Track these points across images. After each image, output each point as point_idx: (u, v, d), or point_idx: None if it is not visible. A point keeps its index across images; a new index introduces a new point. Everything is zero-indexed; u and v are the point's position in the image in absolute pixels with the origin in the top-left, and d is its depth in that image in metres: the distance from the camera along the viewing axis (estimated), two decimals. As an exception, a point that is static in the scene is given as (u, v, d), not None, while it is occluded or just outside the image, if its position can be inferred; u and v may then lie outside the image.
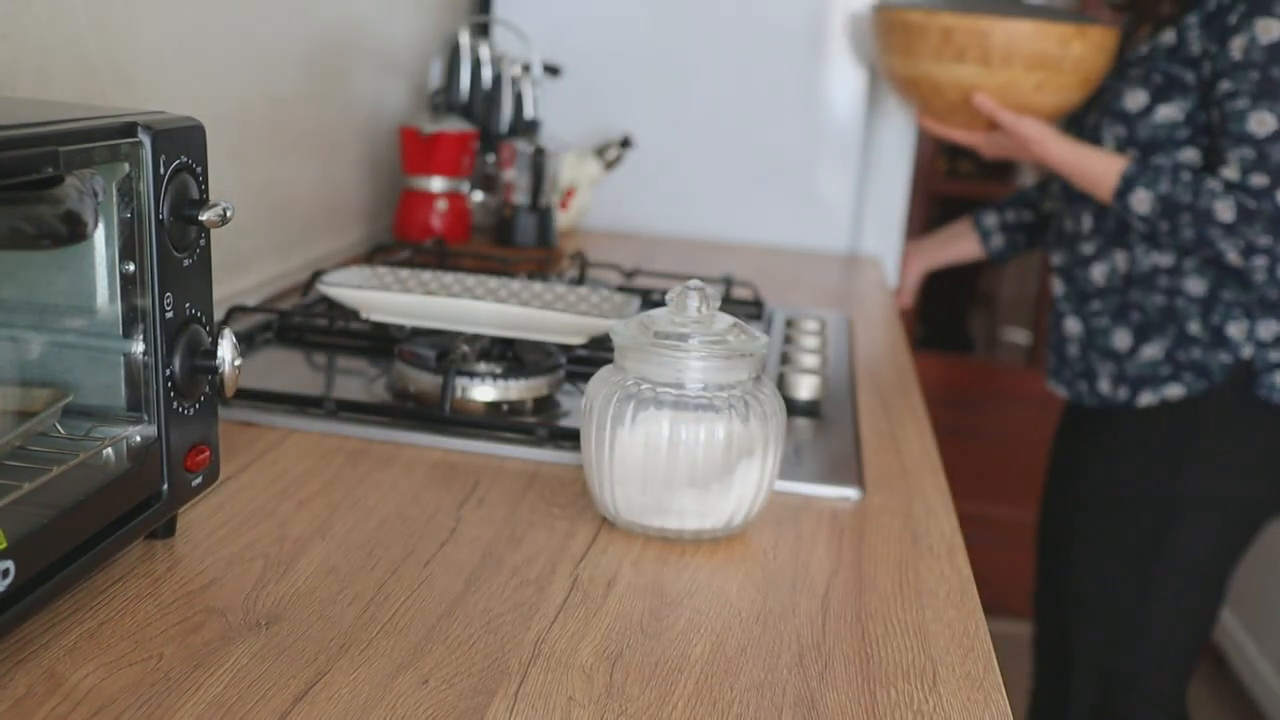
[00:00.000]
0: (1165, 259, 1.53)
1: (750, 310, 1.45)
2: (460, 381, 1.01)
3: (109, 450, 0.67)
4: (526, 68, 1.83)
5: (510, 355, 1.08)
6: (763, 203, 2.11)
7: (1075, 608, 1.75)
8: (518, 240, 1.67)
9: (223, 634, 0.64)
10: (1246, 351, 1.50)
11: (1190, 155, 1.50)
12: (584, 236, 2.01)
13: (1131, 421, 1.61)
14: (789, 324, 1.37)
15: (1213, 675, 2.81)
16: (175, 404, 0.69)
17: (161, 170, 0.66)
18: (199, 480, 0.73)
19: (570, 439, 0.95)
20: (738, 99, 2.08)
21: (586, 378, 1.08)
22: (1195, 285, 1.52)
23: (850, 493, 0.92)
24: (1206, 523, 1.59)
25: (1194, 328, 1.52)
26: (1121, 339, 1.59)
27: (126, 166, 0.65)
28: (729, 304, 1.44)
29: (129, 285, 0.67)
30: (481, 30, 2.03)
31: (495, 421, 0.98)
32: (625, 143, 1.95)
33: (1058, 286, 1.70)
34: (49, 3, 0.94)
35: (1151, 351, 1.56)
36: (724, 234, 2.12)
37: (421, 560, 0.75)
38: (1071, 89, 1.60)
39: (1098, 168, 1.52)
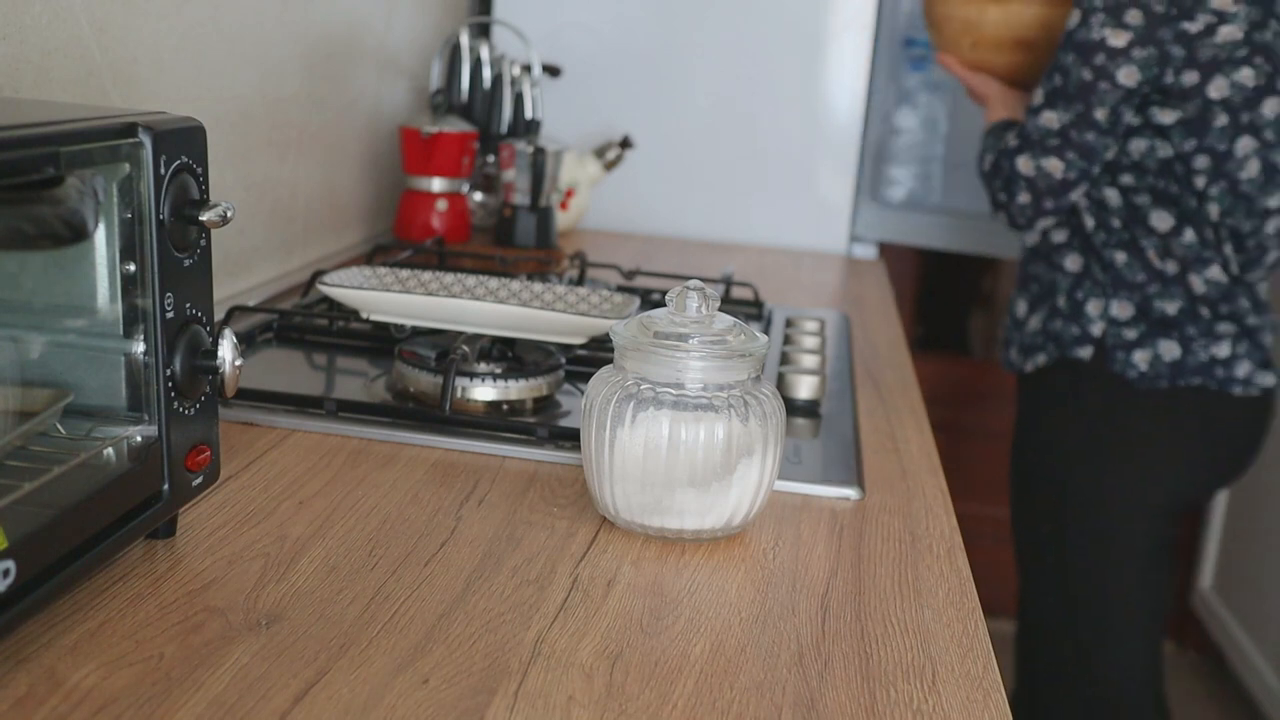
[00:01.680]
0: (1060, 235, 1.65)
1: (750, 310, 1.45)
2: (460, 381, 1.01)
3: (109, 450, 0.67)
4: (526, 68, 1.83)
5: (510, 355, 1.08)
6: (763, 203, 2.12)
7: (1028, 591, 1.80)
8: (518, 240, 1.67)
9: (223, 634, 0.64)
10: (1097, 328, 1.61)
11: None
12: (584, 236, 2.01)
13: (1027, 388, 1.75)
14: (789, 324, 1.37)
15: (1213, 675, 2.81)
16: (176, 404, 0.69)
17: (162, 170, 0.66)
18: (199, 480, 0.73)
19: (570, 439, 0.96)
20: (738, 99, 2.08)
21: (586, 378, 1.08)
22: (1072, 262, 1.64)
23: (850, 492, 0.92)
24: (1088, 489, 1.68)
25: (1061, 301, 1.65)
26: (1021, 308, 1.73)
27: (127, 167, 0.65)
28: (729, 304, 1.44)
29: (129, 285, 0.67)
30: (481, 31, 2.03)
31: (495, 421, 0.98)
32: (625, 143, 1.95)
33: None
34: (49, 3, 0.94)
35: (1034, 321, 1.69)
36: (724, 234, 2.12)
37: (421, 560, 0.75)
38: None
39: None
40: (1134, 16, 1.47)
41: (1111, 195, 1.59)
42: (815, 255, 2.07)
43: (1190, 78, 1.49)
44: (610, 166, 1.96)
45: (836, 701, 0.62)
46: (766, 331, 1.36)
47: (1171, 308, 1.59)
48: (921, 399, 1.21)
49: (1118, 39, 1.49)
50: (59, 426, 0.67)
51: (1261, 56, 1.49)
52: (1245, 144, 1.51)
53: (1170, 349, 1.59)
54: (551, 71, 2.05)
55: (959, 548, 0.84)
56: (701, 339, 0.79)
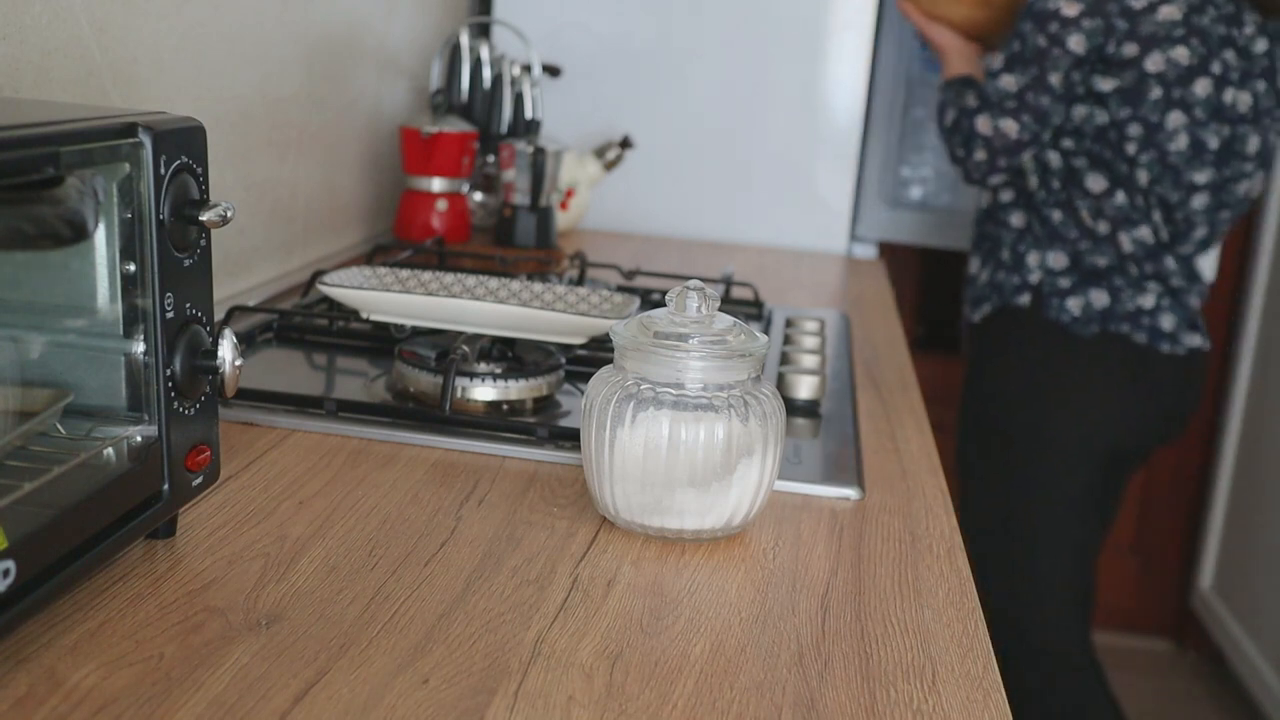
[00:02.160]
0: (1008, 194, 1.80)
1: (750, 310, 1.45)
2: (460, 381, 1.01)
3: (109, 450, 0.67)
4: (526, 68, 1.83)
5: (510, 355, 1.08)
6: (763, 203, 2.12)
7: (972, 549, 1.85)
8: (518, 240, 1.67)
9: (223, 634, 0.64)
10: (1035, 277, 1.77)
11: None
12: (584, 236, 2.01)
13: (975, 338, 1.90)
14: (789, 324, 1.37)
15: (1212, 675, 2.81)
16: (176, 404, 0.69)
17: (162, 170, 0.66)
18: (199, 480, 0.73)
19: (570, 439, 0.96)
20: (738, 99, 2.08)
21: (586, 378, 1.08)
22: (1016, 219, 1.80)
23: (850, 492, 0.92)
24: (1027, 432, 1.80)
25: (1005, 254, 1.81)
26: (974, 265, 1.89)
27: (127, 167, 0.65)
28: (729, 304, 1.44)
29: (129, 285, 0.67)
30: (481, 30, 2.03)
31: (495, 421, 0.98)
32: (625, 143, 1.95)
33: None
34: (49, 3, 0.94)
35: (984, 275, 1.86)
36: (724, 234, 2.12)
37: (421, 560, 0.75)
38: None
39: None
40: None
41: (1053, 157, 1.74)
42: (815, 255, 2.07)
43: (1130, 49, 1.64)
44: (610, 166, 1.96)
45: (836, 701, 0.62)
46: (766, 331, 1.36)
47: (1102, 261, 1.74)
48: (921, 399, 1.21)
49: (1070, 9, 1.64)
50: (59, 426, 0.67)
51: (1197, 39, 1.64)
52: (1176, 118, 1.65)
53: (1100, 297, 1.74)
54: (551, 71, 2.05)
55: (959, 548, 0.84)
56: (701, 339, 0.79)
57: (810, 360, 1.18)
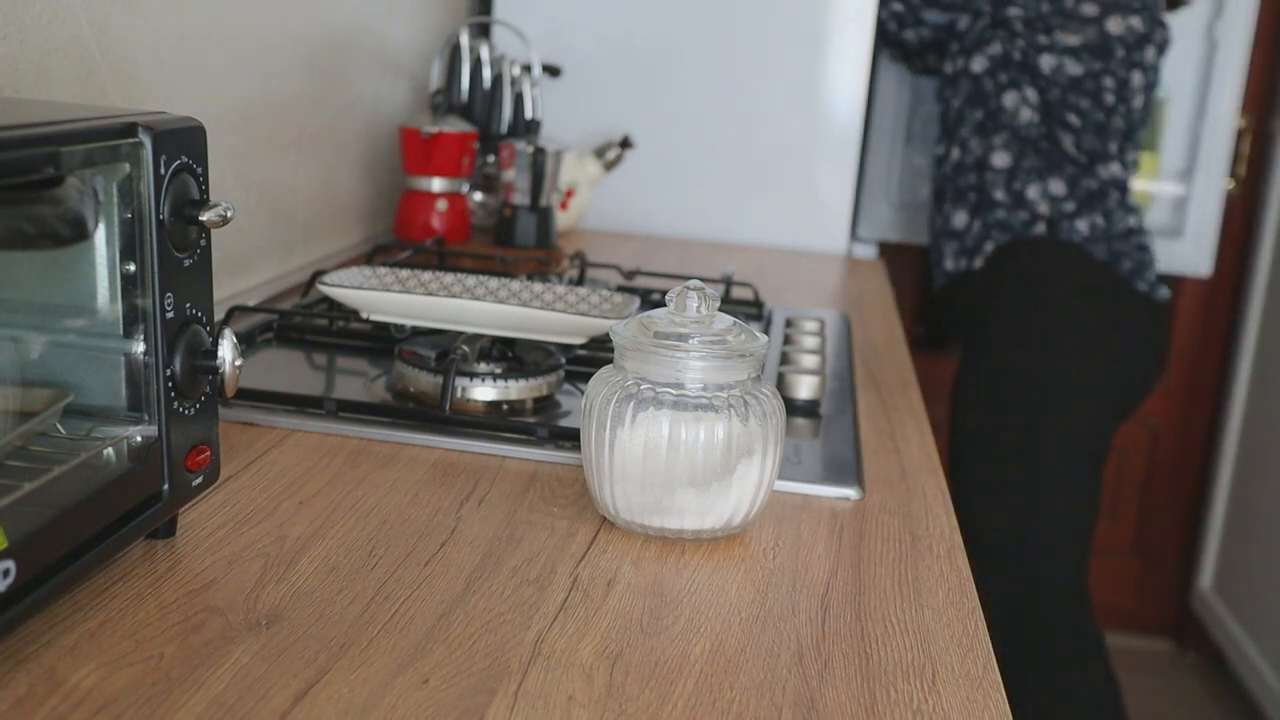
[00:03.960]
0: (977, 142, 1.95)
1: (750, 310, 1.45)
2: (460, 381, 1.01)
3: (109, 450, 0.67)
4: (526, 68, 1.83)
5: (510, 355, 1.08)
6: (763, 203, 2.11)
7: (968, 503, 1.94)
8: (518, 240, 1.67)
9: (223, 634, 0.64)
10: (1043, 208, 1.89)
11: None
12: (584, 236, 2.01)
13: (970, 284, 1.97)
14: (789, 324, 1.37)
15: (1213, 675, 2.81)
16: (176, 404, 0.69)
17: (162, 170, 0.66)
18: (199, 480, 0.73)
19: (570, 439, 0.96)
20: (738, 99, 2.08)
21: (586, 378, 1.08)
22: (1000, 159, 1.92)
23: (850, 492, 0.92)
24: (1039, 362, 1.88)
25: (999, 194, 1.91)
26: (960, 218, 1.98)
27: (127, 167, 0.65)
28: (729, 304, 1.44)
29: (129, 285, 0.67)
30: (481, 30, 2.03)
31: (495, 421, 0.98)
32: (625, 143, 1.95)
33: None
34: (49, 3, 0.94)
35: (976, 224, 1.95)
36: (724, 234, 2.12)
37: (421, 560, 0.75)
38: None
39: None
40: None
41: (1031, 94, 1.89)
42: (815, 255, 2.07)
43: (1090, 9, 1.83)
44: (610, 166, 1.96)
45: (836, 701, 0.62)
46: (766, 331, 1.36)
47: (1093, 185, 1.90)
48: (921, 399, 1.21)
49: None
50: (59, 426, 0.67)
51: (1149, 11, 1.87)
52: (1137, 78, 1.87)
53: (1098, 219, 1.89)
54: (551, 71, 2.05)
55: (959, 548, 0.84)
56: (701, 339, 0.79)
57: (810, 360, 1.18)
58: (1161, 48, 1.91)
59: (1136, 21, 1.85)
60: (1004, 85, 1.91)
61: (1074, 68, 1.84)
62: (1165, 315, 1.94)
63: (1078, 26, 1.84)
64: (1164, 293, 1.92)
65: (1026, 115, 1.89)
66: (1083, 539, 1.92)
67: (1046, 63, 1.86)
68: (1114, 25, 1.84)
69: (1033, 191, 1.90)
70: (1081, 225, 1.88)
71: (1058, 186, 1.89)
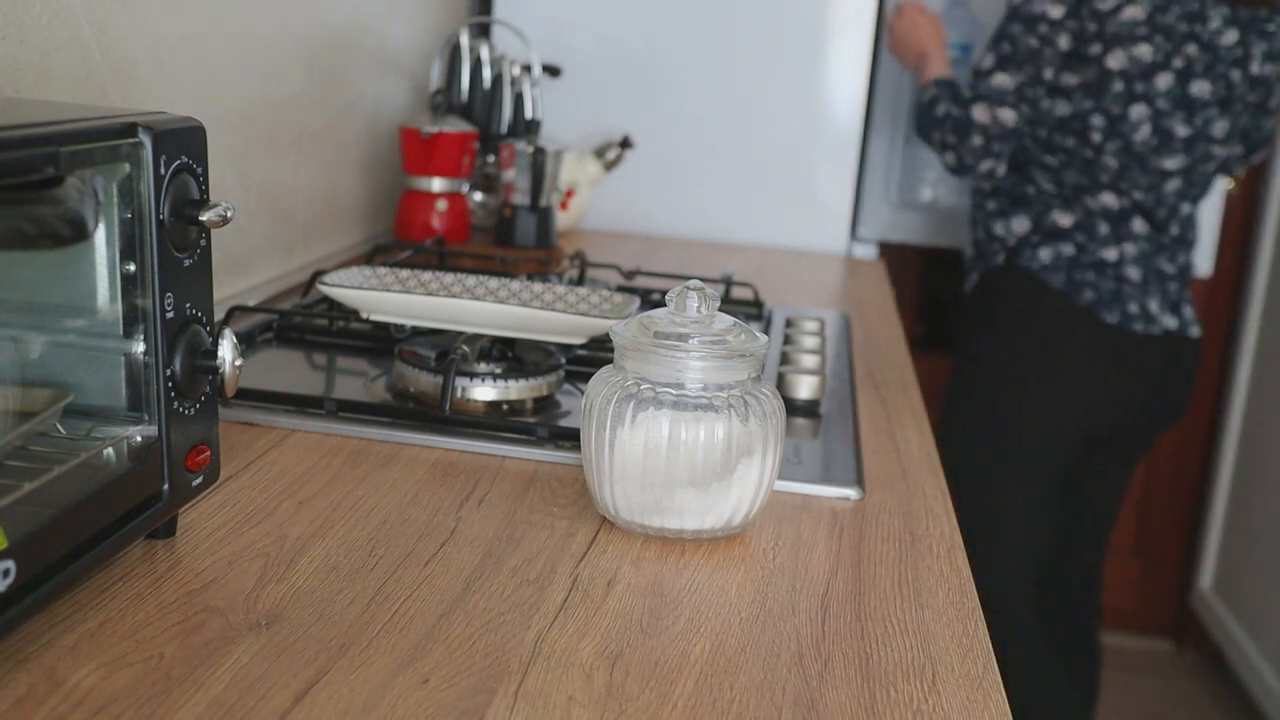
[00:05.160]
0: (987, 183, 1.94)
1: (750, 310, 1.45)
2: (460, 381, 1.01)
3: (110, 450, 0.67)
4: (526, 68, 1.83)
5: (510, 355, 1.08)
6: (763, 203, 2.11)
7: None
8: (518, 240, 1.67)
9: (223, 634, 0.64)
10: (1011, 242, 1.91)
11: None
12: (584, 236, 2.01)
13: (961, 310, 2.04)
14: (789, 324, 1.37)
15: (1213, 675, 2.81)
16: (176, 404, 0.69)
17: (162, 170, 0.66)
18: (199, 480, 0.73)
19: (570, 439, 0.96)
20: (737, 99, 2.08)
21: (586, 378, 1.08)
22: (993, 203, 1.94)
23: (850, 492, 0.92)
24: (996, 389, 1.91)
25: (980, 232, 1.97)
26: (968, 246, 2.04)
27: (127, 167, 0.65)
28: (729, 304, 1.44)
29: (129, 285, 0.67)
30: (481, 30, 2.03)
31: (495, 421, 0.98)
32: (625, 143, 1.95)
33: None
34: (49, 3, 0.94)
35: (969, 251, 2.02)
36: (724, 234, 2.12)
37: (421, 560, 0.75)
38: None
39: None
40: None
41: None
42: (815, 255, 2.07)
43: (1095, 49, 1.76)
44: (610, 166, 1.96)
45: (836, 701, 0.62)
46: (766, 331, 1.36)
47: (1065, 220, 1.86)
48: (921, 399, 1.21)
49: (1055, 11, 1.77)
50: (59, 426, 0.67)
51: (1162, 36, 1.76)
52: (1139, 110, 1.78)
53: (1066, 249, 1.86)
54: (551, 71, 2.05)
55: (959, 548, 0.84)
56: (701, 339, 0.79)
57: (810, 360, 1.18)
58: (1187, 69, 1.77)
59: (1143, 50, 1.76)
60: None
61: (1063, 108, 1.81)
62: (1154, 347, 1.85)
63: (1080, 66, 1.78)
64: (1153, 326, 1.84)
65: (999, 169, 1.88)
66: (1035, 571, 1.94)
67: (1042, 105, 1.83)
68: (1114, 60, 1.76)
69: (999, 228, 1.92)
70: (1044, 254, 1.87)
71: (1021, 224, 1.90)
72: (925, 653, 0.68)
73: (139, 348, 0.68)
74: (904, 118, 2.29)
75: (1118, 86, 1.77)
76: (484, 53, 1.79)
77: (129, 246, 0.66)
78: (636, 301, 1.11)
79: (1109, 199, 1.83)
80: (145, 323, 0.67)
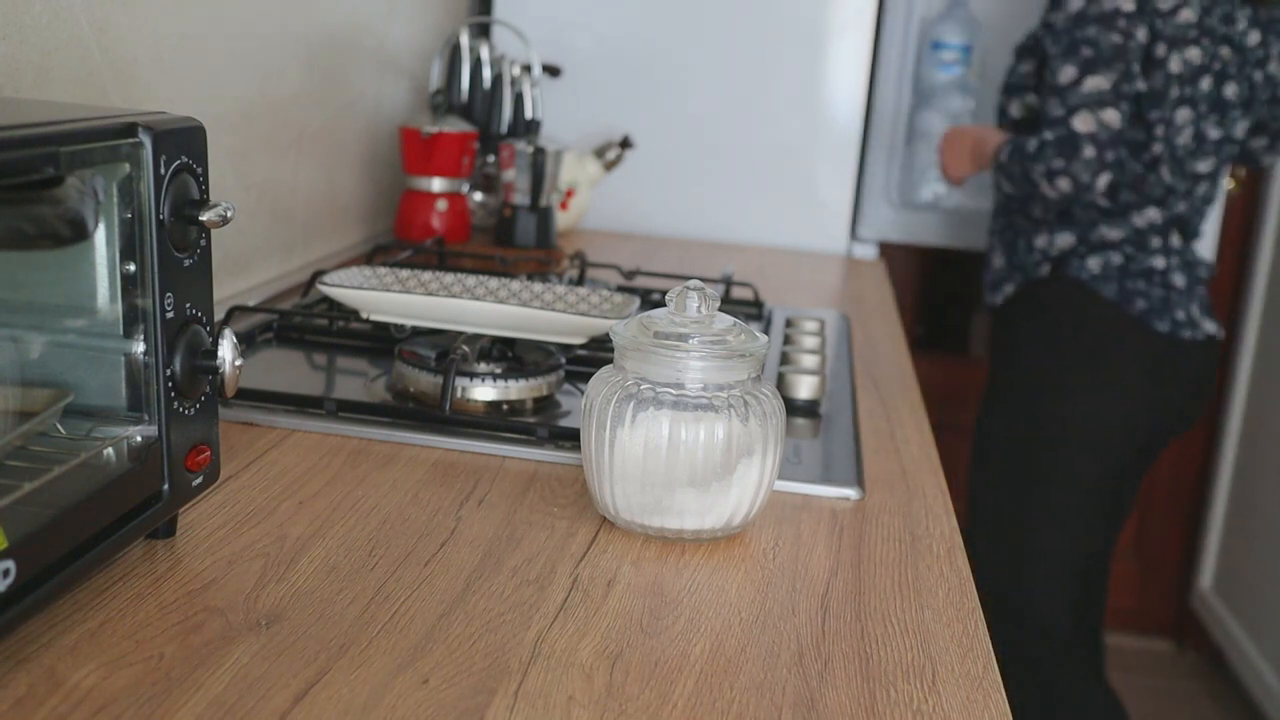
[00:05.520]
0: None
1: (750, 310, 1.45)
2: (460, 381, 1.01)
3: (109, 450, 0.67)
4: (526, 68, 1.83)
5: (510, 355, 1.08)
6: (763, 203, 2.11)
7: (973, 533, 1.92)
8: (518, 240, 1.67)
9: (223, 634, 0.64)
10: (1054, 254, 1.83)
11: (1033, 99, 1.88)
12: (584, 236, 2.01)
13: (995, 319, 1.98)
14: (789, 324, 1.37)
15: (1213, 675, 2.81)
16: (176, 404, 0.69)
17: (162, 170, 0.66)
18: (199, 480, 0.73)
19: (570, 439, 0.96)
20: (737, 99, 2.08)
21: (586, 378, 1.08)
22: (1038, 209, 1.82)
23: (850, 492, 0.92)
24: (1044, 404, 1.85)
25: (1021, 242, 1.88)
26: (994, 253, 1.96)
27: (127, 167, 0.65)
28: (729, 304, 1.44)
29: (129, 285, 0.67)
30: (481, 30, 2.03)
31: (495, 421, 0.98)
32: (625, 143, 1.95)
33: None
34: (49, 3, 0.94)
35: (999, 260, 1.94)
36: (724, 234, 2.12)
37: (421, 560, 0.75)
38: None
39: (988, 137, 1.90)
40: None
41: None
42: (815, 255, 2.07)
43: (1161, 50, 1.70)
44: (610, 166, 1.96)
45: (836, 701, 0.62)
46: (766, 331, 1.36)
47: (1114, 234, 1.79)
48: (921, 399, 1.21)
49: (1128, 5, 1.69)
50: (59, 426, 0.67)
51: (1207, 39, 1.73)
52: (1184, 114, 1.73)
53: (1115, 258, 1.80)
54: (551, 71, 2.05)
55: (959, 548, 0.84)
56: (701, 339, 0.79)
57: (810, 360, 1.18)
58: (1222, 71, 1.76)
59: (1194, 53, 1.71)
60: None
61: (1134, 132, 1.72)
62: (1198, 353, 1.82)
63: (1149, 70, 1.70)
64: (1198, 333, 1.80)
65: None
66: (1076, 586, 1.89)
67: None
68: (1175, 63, 1.70)
69: (1040, 240, 1.84)
70: (1093, 263, 1.80)
71: (1065, 239, 1.82)
72: (925, 653, 0.68)
73: (139, 348, 0.68)
74: (904, 117, 2.29)
75: (1175, 92, 1.71)
76: (484, 53, 1.79)
77: (129, 246, 0.66)
78: (636, 301, 1.11)
79: (1154, 213, 1.77)
80: (145, 323, 0.67)
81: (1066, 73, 1.71)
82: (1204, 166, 1.79)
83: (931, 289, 2.91)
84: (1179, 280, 1.80)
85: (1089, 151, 1.68)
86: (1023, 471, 1.87)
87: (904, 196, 2.31)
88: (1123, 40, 1.69)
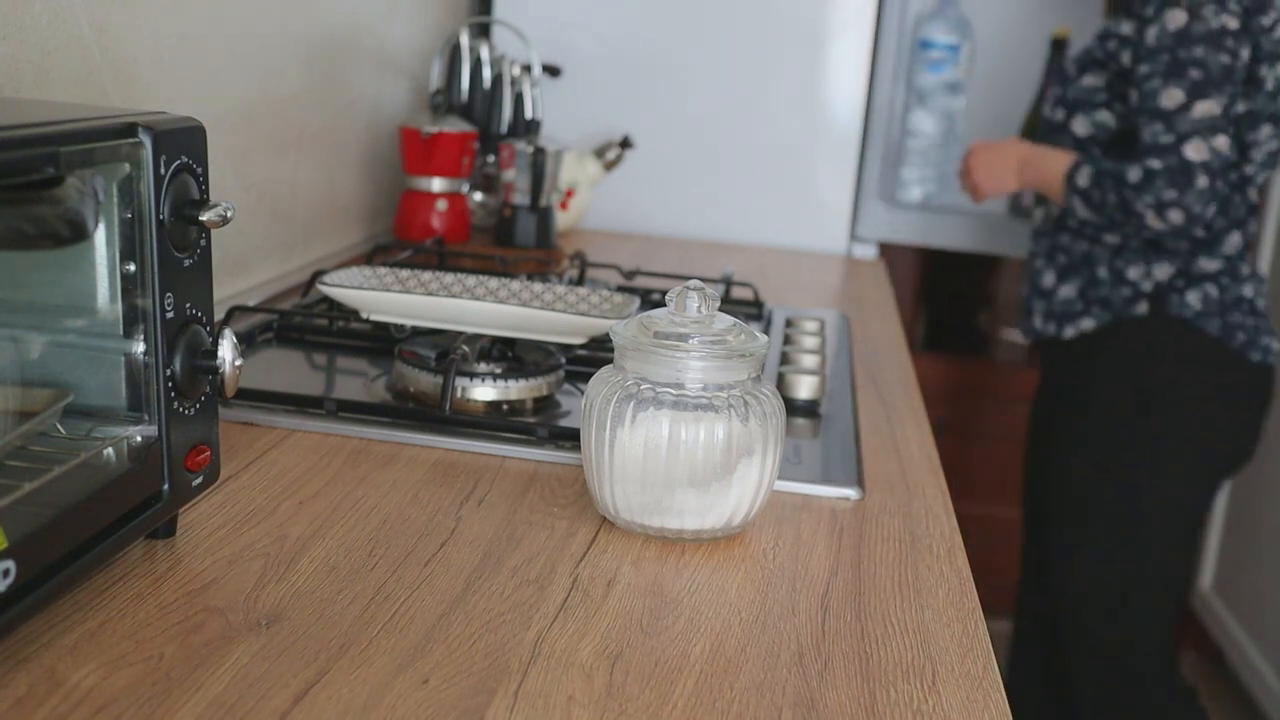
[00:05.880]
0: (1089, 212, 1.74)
1: (750, 310, 1.45)
2: (460, 381, 1.01)
3: (110, 450, 0.67)
4: (526, 68, 1.83)
5: (510, 355, 1.08)
6: (763, 203, 2.12)
7: (1065, 578, 1.86)
8: (518, 240, 1.67)
9: (223, 634, 0.64)
10: (1146, 286, 1.72)
11: (1106, 117, 1.76)
12: (584, 236, 2.01)
13: (1060, 353, 1.84)
14: (789, 324, 1.37)
15: (1213, 675, 2.81)
16: (176, 404, 0.69)
17: (162, 170, 0.66)
18: (199, 480, 0.73)
19: (570, 439, 0.96)
20: (737, 99, 2.08)
21: (586, 378, 1.08)
22: (1111, 235, 1.74)
23: (850, 493, 0.92)
24: (1142, 444, 1.76)
25: (1102, 272, 1.76)
26: (1048, 279, 1.83)
27: (127, 167, 0.65)
28: (729, 304, 1.44)
29: (129, 285, 0.67)
30: (481, 30, 2.03)
31: (495, 421, 0.98)
32: (625, 143, 1.95)
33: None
34: (49, 3, 0.94)
35: (1067, 290, 1.80)
36: (724, 234, 2.12)
37: (421, 560, 0.75)
38: None
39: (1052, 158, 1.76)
40: (1234, 3, 1.61)
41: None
42: (815, 255, 2.07)
43: (1264, 69, 1.63)
44: (610, 166, 1.96)
45: (836, 701, 0.62)
46: (766, 331, 1.36)
47: (1210, 266, 1.70)
48: (921, 399, 1.21)
49: (1232, 22, 1.60)
50: (59, 426, 0.67)
51: None
52: (1266, 130, 1.67)
53: (1212, 289, 1.71)
54: (551, 71, 2.05)
55: (959, 548, 0.84)
56: (701, 339, 0.79)
57: (810, 360, 1.18)
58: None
59: None
60: None
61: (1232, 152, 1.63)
62: (1272, 377, 1.77)
63: (1250, 90, 1.64)
64: (1270, 357, 1.75)
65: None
66: (1173, 617, 1.85)
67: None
68: (1270, 81, 1.64)
69: (1134, 272, 1.72)
70: (1192, 298, 1.70)
71: (1163, 271, 1.71)
72: (925, 653, 0.68)
73: (139, 348, 0.68)
74: (903, 117, 2.29)
75: (1271, 108, 1.65)
76: (484, 53, 1.79)
77: (129, 246, 0.66)
78: (636, 301, 1.11)
79: (1237, 238, 1.71)
80: (145, 323, 0.67)
81: (1172, 96, 1.60)
82: (1262, 178, 1.74)
83: (931, 289, 2.91)
84: (1262, 305, 1.75)
85: (1202, 181, 1.58)
86: (1125, 513, 1.78)
87: (904, 197, 2.31)
88: (1230, 60, 1.60)
